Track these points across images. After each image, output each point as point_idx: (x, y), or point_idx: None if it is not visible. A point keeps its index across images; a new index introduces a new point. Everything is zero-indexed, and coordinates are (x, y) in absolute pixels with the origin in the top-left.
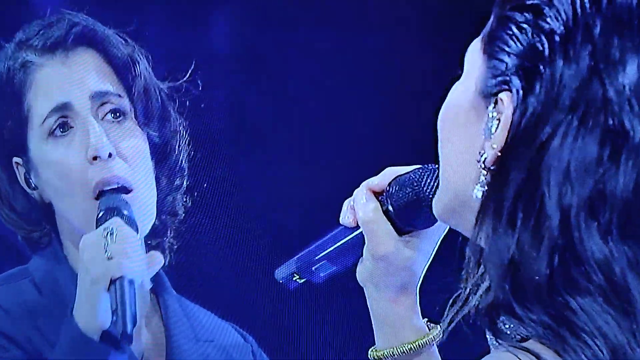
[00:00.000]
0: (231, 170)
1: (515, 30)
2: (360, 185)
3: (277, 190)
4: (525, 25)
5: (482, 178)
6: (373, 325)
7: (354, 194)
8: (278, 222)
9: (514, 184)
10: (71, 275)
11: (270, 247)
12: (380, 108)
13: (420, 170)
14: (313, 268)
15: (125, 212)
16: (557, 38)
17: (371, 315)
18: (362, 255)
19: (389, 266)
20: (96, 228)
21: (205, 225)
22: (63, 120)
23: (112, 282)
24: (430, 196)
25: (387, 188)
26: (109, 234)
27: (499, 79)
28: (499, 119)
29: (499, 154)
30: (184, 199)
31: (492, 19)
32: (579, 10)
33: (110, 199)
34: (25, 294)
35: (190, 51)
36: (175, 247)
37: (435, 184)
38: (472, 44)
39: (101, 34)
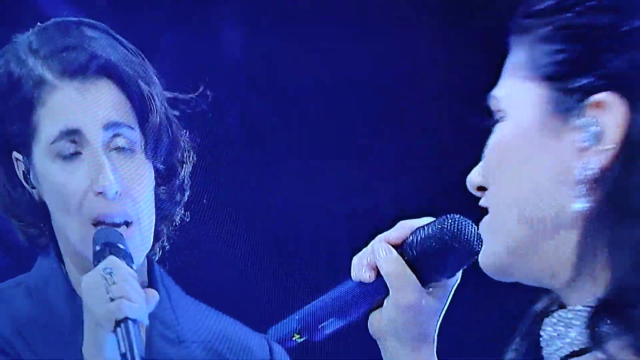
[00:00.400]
0: (236, 176)
1: (572, 43)
2: (376, 239)
3: (280, 196)
4: (582, 31)
5: (582, 191)
6: None
7: (369, 248)
8: (280, 228)
9: None
10: (63, 287)
11: (274, 251)
12: (389, 116)
13: (444, 220)
14: (319, 326)
15: (121, 246)
16: (619, 29)
17: None
18: (372, 308)
19: (415, 317)
20: (93, 262)
21: (206, 231)
22: (72, 145)
23: (117, 323)
24: (456, 246)
25: (409, 239)
26: (108, 274)
27: (581, 88)
28: (598, 122)
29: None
30: (183, 213)
31: (529, 50)
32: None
33: (106, 233)
34: (15, 302)
35: (199, 62)
36: (167, 247)
37: (460, 232)
38: (503, 86)
39: (122, 70)
